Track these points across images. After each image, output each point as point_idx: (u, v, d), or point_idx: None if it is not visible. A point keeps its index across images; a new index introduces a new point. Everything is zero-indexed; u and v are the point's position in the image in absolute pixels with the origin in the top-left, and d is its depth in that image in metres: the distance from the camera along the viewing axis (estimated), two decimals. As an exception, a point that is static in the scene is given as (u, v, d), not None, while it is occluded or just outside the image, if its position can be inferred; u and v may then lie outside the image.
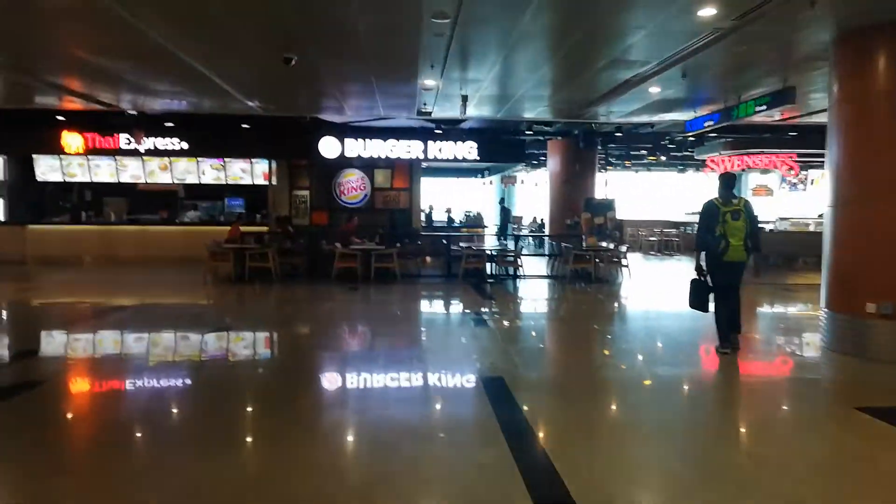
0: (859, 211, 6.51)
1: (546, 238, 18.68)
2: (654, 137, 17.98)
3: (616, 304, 11.17)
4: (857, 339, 6.55)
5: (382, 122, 14.61)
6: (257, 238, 13.69)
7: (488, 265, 13.54)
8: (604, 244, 14.70)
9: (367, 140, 15.95)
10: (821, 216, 20.07)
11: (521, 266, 13.27)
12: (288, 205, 17.23)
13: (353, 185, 17.30)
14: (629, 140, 18.38)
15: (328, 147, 15.93)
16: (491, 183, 28.58)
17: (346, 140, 15.94)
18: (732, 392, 5.86)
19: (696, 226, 6.70)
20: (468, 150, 16.15)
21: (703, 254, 6.60)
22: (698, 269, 6.57)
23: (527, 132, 15.37)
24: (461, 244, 14.14)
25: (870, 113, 6.48)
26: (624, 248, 13.54)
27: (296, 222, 16.65)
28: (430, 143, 16.07)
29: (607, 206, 17.99)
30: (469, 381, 5.82)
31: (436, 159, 16.27)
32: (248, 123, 15.34)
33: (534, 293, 11.92)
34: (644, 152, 21.74)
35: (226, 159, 16.98)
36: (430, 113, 12.25)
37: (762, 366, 6.61)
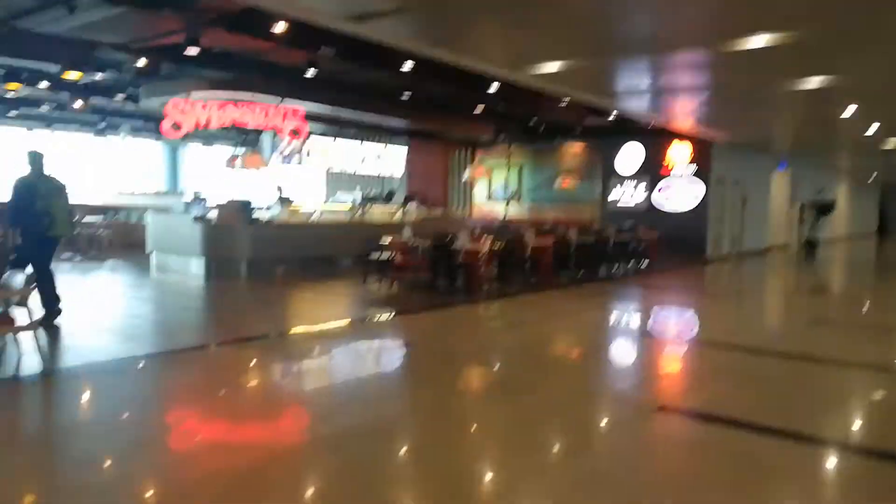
0: None
1: None
2: (73, 52, 9.54)
3: None
4: None
5: None
6: None
7: None
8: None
9: None
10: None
11: None
12: None
13: None
14: (15, 48, 9.35)
15: None
16: None
17: None
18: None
19: (10, 204, 6.67)
20: None
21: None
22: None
23: None
24: None
25: None
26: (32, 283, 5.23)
27: None
28: None
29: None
30: None
31: None
32: None
33: None
34: (46, 87, 12.46)
35: None
36: None
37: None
